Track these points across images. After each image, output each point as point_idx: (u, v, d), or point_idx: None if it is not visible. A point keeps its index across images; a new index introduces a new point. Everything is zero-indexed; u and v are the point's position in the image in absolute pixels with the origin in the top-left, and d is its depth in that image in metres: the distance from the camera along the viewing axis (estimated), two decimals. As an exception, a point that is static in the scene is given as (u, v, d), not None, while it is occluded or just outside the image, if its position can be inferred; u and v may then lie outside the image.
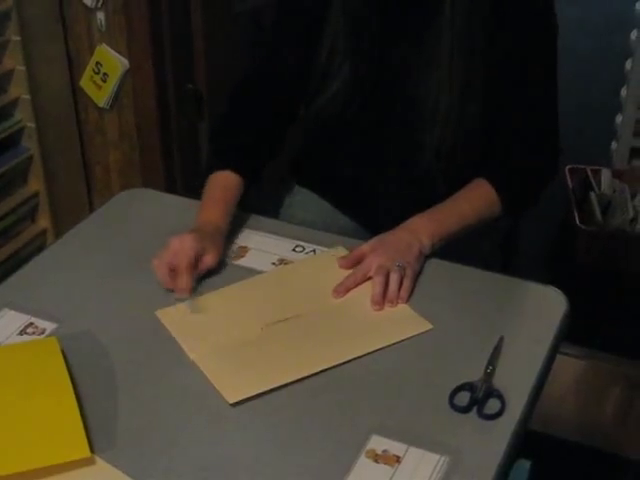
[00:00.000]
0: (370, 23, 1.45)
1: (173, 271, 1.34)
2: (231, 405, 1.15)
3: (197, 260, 1.36)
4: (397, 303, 1.33)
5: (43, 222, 2.56)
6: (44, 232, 2.55)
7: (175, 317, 1.31)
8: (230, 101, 1.60)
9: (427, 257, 1.43)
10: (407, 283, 1.35)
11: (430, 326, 1.29)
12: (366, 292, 1.35)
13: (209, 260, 1.38)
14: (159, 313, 1.32)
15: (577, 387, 2.19)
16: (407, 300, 1.34)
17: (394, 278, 1.34)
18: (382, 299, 1.33)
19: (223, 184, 1.51)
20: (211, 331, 1.29)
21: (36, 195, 2.52)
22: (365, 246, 1.40)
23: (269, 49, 1.58)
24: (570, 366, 2.17)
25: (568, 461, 2.09)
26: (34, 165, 2.47)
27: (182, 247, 1.35)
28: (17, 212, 2.48)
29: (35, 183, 2.50)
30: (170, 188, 2.63)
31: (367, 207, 1.63)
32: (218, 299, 1.36)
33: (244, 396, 1.16)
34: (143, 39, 2.38)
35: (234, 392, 1.17)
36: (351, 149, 1.59)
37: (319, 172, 1.68)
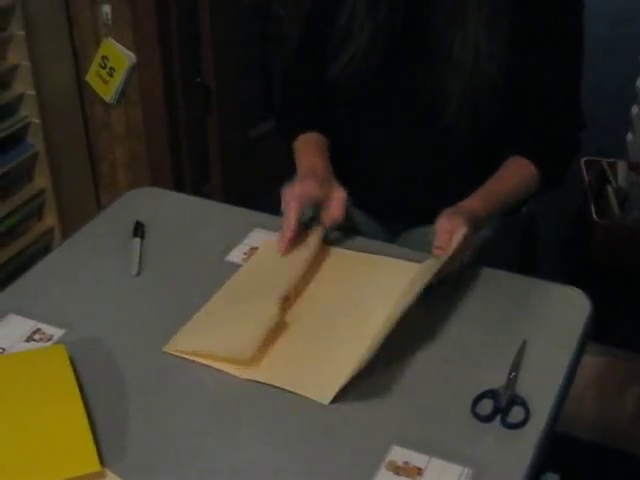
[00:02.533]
0: None
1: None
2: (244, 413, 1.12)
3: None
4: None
5: (50, 220, 2.53)
6: (51, 230, 2.52)
7: (190, 341, 1.24)
8: (287, 78, 1.70)
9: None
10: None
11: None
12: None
13: (340, 194, 1.40)
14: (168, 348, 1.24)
15: (596, 385, 2.15)
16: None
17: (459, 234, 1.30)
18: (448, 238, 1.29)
19: (314, 141, 1.56)
20: (235, 337, 1.23)
21: (42, 192, 2.48)
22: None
23: (308, 24, 1.62)
24: (587, 364, 2.13)
25: (588, 463, 2.05)
26: (40, 162, 2.44)
27: (305, 189, 1.38)
28: (23, 210, 2.45)
29: (41, 180, 2.47)
30: (178, 183, 2.60)
31: (390, 187, 1.61)
32: (223, 300, 1.32)
33: (335, 392, 1.13)
34: (150, 32, 2.35)
35: (324, 392, 1.13)
36: (373, 112, 1.57)
37: (339, 160, 1.64)
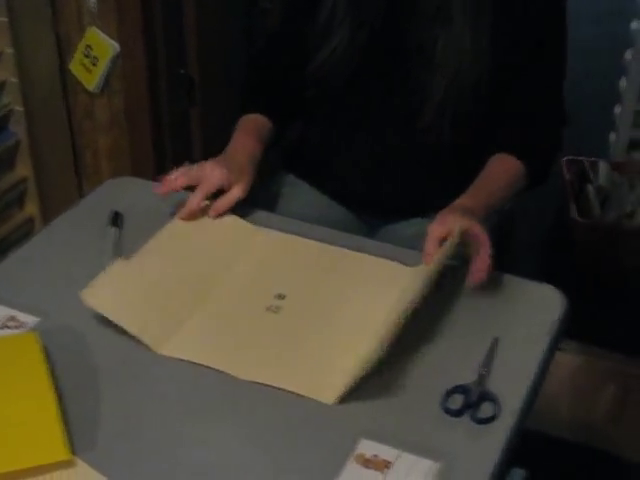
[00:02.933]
0: None
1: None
2: (211, 403, 1.12)
3: (222, 191, 1.40)
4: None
5: (31, 209, 2.52)
6: (32, 219, 2.51)
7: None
8: (252, 62, 1.71)
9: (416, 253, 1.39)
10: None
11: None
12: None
13: (237, 192, 1.41)
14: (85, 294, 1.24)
15: (572, 383, 2.16)
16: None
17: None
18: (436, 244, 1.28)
19: (254, 120, 1.56)
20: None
21: (24, 181, 2.47)
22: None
23: (280, 15, 1.64)
24: (565, 362, 2.14)
25: (562, 461, 2.06)
26: (22, 150, 2.42)
27: (211, 174, 1.40)
28: (4, 198, 2.43)
29: (23, 168, 2.46)
30: (160, 174, 2.58)
31: (369, 184, 1.61)
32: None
33: (340, 392, 1.12)
34: (134, 22, 2.33)
35: (330, 391, 1.12)
36: (353, 110, 1.57)
37: (319, 156, 1.64)
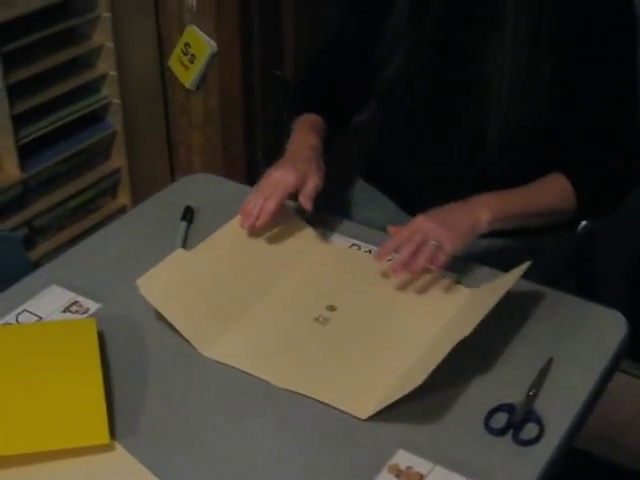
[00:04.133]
0: (432, 7, 1.42)
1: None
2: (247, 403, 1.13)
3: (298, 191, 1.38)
4: (418, 270, 1.29)
5: (123, 198, 2.59)
6: (123, 208, 2.58)
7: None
8: (311, 65, 1.65)
9: (486, 263, 1.39)
10: (442, 257, 1.29)
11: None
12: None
13: (314, 182, 1.39)
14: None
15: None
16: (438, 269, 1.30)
17: (425, 250, 1.28)
18: (401, 265, 1.29)
19: (312, 120, 1.53)
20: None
21: (118, 171, 2.54)
22: (417, 218, 1.35)
23: (344, 24, 1.60)
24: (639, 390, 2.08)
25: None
26: (118, 141, 2.50)
27: (283, 179, 1.37)
28: (98, 187, 2.51)
29: (118, 159, 2.53)
30: (250, 173, 2.62)
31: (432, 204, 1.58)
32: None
33: (375, 412, 1.11)
34: (232, 22, 2.38)
35: (363, 410, 1.12)
36: (419, 123, 1.55)
37: (387, 168, 1.64)
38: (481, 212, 1.35)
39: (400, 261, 1.30)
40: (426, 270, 1.30)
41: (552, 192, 1.43)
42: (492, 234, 1.37)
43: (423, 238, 1.29)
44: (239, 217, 1.41)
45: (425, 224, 1.32)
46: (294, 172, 1.38)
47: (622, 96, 1.42)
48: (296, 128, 1.53)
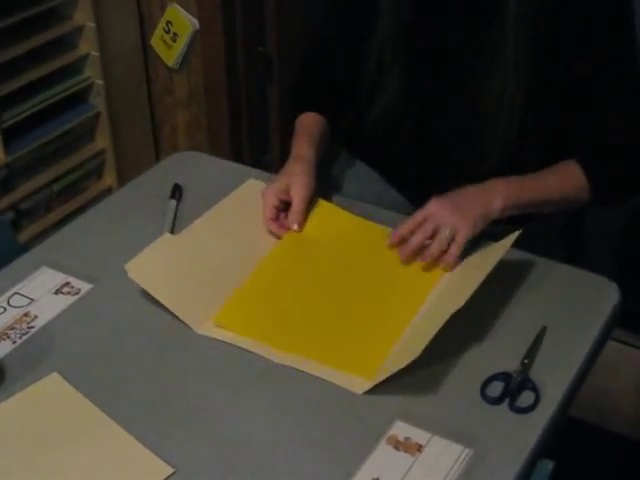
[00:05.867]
0: (422, 28, 1.41)
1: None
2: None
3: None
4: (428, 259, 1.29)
5: (109, 179, 2.57)
6: (109, 189, 2.56)
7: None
8: (304, 65, 1.64)
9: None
10: (454, 249, 1.29)
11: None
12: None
13: (299, 199, 1.38)
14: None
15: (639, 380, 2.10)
16: (452, 267, 1.29)
17: (439, 239, 1.28)
18: (412, 252, 1.29)
19: (310, 125, 1.52)
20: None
21: (102, 152, 2.52)
22: (431, 202, 1.34)
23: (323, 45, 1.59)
24: (635, 358, 2.08)
25: (624, 457, 2.01)
26: (101, 122, 2.48)
27: (265, 201, 1.38)
28: (83, 168, 2.49)
29: (102, 140, 2.51)
30: (236, 151, 2.61)
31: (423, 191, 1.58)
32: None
33: (371, 387, 1.12)
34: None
35: (359, 385, 1.12)
36: (410, 151, 1.54)
37: (375, 148, 1.63)
38: (494, 199, 1.34)
39: (412, 248, 1.30)
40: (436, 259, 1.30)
41: (565, 180, 1.42)
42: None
43: (436, 225, 1.29)
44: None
45: (439, 210, 1.31)
46: (274, 193, 1.39)
47: (629, 82, 1.42)
48: (294, 138, 1.51)
